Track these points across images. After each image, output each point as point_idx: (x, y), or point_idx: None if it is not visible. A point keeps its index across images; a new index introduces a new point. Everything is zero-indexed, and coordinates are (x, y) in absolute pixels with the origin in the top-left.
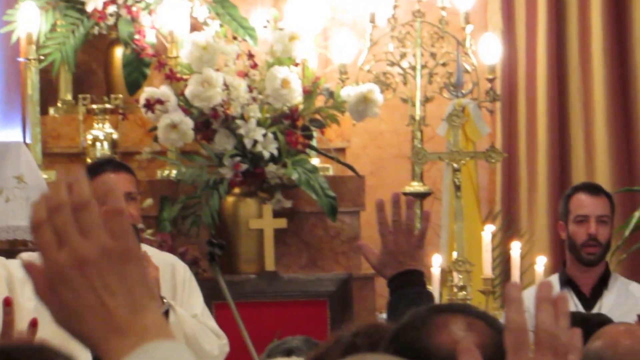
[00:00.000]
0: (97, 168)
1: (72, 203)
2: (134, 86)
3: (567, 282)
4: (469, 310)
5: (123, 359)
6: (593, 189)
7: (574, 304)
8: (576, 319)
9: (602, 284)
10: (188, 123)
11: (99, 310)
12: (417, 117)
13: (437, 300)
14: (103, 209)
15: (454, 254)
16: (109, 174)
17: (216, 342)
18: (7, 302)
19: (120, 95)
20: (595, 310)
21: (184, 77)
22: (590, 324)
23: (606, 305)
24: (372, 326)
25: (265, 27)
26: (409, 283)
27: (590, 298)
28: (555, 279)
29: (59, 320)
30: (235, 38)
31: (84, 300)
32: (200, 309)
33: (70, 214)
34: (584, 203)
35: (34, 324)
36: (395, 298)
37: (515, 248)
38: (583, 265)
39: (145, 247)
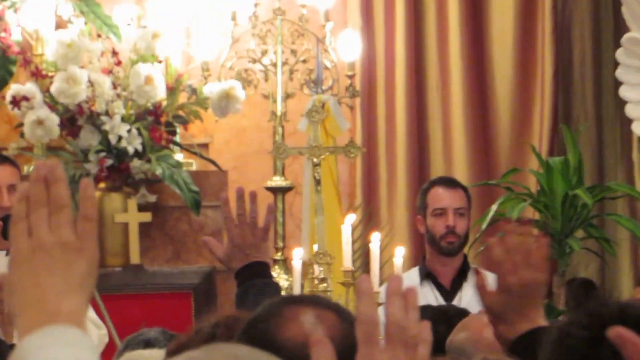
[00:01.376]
0: None
1: (51, 204)
2: (0, 83)
3: (427, 275)
4: (320, 302)
5: (29, 334)
6: (449, 182)
7: (434, 297)
8: (435, 312)
9: (461, 276)
10: (54, 119)
11: (32, 285)
12: (279, 113)
13: (299, 292)
14: (79, 215)
15: (315, 247)
16: None
17: (95, 332)
18: None
19: None
20: (455, 302)
21: (50, 74)
22: (448, 315)
23: (465, 296)
24: (231, 317)
25: (128, 25)
26: (255, 274)
27: (450, 290)
28: (415, 272)
29: (9, 297)
30: (99, 36)
31: (23, 274)
32: None
33: (46, 213)
34: (441, 196)
35: None
36: (243, 289)
37: (375, 240)
38: (442, 257)
39: None
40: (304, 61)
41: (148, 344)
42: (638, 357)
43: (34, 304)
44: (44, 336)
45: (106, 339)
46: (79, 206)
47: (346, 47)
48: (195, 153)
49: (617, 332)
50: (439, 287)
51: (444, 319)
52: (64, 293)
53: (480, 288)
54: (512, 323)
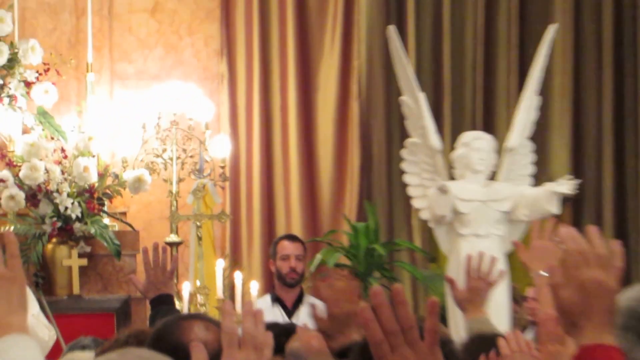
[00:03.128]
0: None
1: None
2: None
3: (276, 299)
4: (205, 317)
5: None
6: (292, 237)
7: (281, 314)
8: (277, 327)
9: (299, 300)
10: (21, 195)
11: None
12: (174, 192)
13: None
14: (7, 255)
15: (198, 282)
16: None
17: (47, 332)
18: None
19: None
20: (294, 318)
21: (19, 164)
22: (287, 329)
23: (302, 314)
24: (139, 330)
25: (72, 131)
26: (163, 302)
27: (291, 310)
28: (268, 297)
29: None
30: (52, 138)
31: None
32: (36, 311)
33: None
34: (286, 247)
35: None
36: (155, 312)
37: (238, 277)
38: (287, 288)
39: None
40: (191, 156)
41: (84, 347)
42: (374, 336)
43: None
44: (4, 342)
45: (55, 338)
46: (6, 250)
47: (219, 147)
48: (117, 218)
49: (362, 310)
50: (284, 307)
51: (284, 332)
52: (10, 312)
53: (315, 317)
54: (335, 338)
